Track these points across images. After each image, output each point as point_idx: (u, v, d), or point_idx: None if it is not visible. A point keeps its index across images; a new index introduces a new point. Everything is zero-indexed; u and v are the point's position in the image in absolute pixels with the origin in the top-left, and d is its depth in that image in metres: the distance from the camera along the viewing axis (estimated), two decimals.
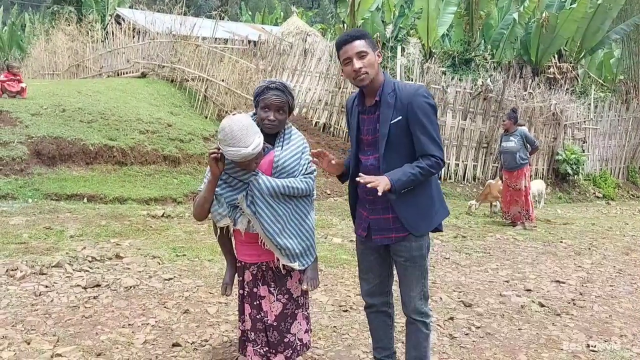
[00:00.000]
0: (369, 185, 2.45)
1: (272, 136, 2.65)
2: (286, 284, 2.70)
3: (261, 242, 2.59)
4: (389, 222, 2.68)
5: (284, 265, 2.62)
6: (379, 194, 2.44)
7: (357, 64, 2.54)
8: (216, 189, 2.56)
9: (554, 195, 12.84)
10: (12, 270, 4.53)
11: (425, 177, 2.58)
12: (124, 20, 17.04)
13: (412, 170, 2.54)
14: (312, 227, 2.70)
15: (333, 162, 2.72)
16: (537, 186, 10.60)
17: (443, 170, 11.55)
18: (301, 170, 2.65)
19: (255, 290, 2.69)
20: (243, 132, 2.39)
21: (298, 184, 2.59)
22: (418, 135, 2.57)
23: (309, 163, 2.70)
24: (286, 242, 2.57)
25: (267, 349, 2.69)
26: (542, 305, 4.55)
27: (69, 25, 17.52)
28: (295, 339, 2.71)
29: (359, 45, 2.55)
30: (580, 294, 4.96)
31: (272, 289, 2.68)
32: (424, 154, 2.57)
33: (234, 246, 2.80)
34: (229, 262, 2.86)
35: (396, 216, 2.64)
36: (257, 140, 2.42)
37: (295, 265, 2.62)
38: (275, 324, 2.67)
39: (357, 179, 2.49)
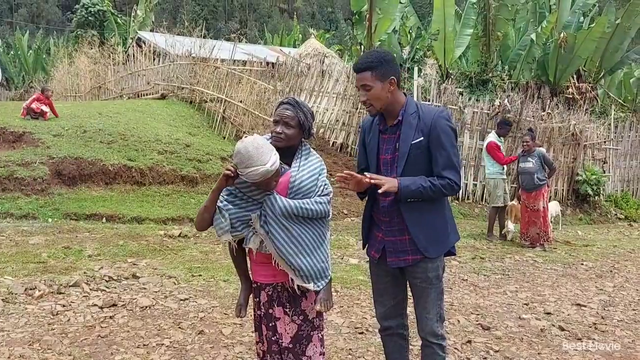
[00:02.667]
0: (373, 182, 2.50)
1: (289, 157, 2.66)
2: (301, 305, 2.68)
3: (275, 263, 2.58)
4: (405, 244, 2.66)
5: (298, 285, 2.60)
6: (379, 192, 2.50)
7: (362, 97, 2.63)
8: (229, 206, 2.57)
9: (574, 216, 12.62)
10: (31, 289, 4.59)
11: (436, 196, 2.59)
12: (144, 43, 17.43)
13: (423, 183, 2.56)
14: (327, 249, 2.69)
15: (366, 180, 2.55)
16: (554, 208, 10.43)
17: (461, 190, 11.50)
18: (317, 191, 2.64)
19: (270, 311, 2.67)
20: (259, 151, 2.41)
21: (313, 206, 2.58)
22: (436, 157, 2.59)
23: (325, 184, 2.69)
24: (300, 263, 2.55)
25: None
26: (563, 329, 4.45)
27: (91, 48, 18.03)
28: None
29: (363, 78, 2.60)
30: (602, 318, 4.84)
31: (287, 309, 2.66)
32: (439, 176, 2.59)
33: (249, 267, 2.80)
34: (243, 283, 2.84)
35: (412, 238, 2.63)
36: (273, 157, 2.44)
37: (310, 286, 2.60)
38: (290, 346, 2.65)
39: (366, 173, 2.55)
